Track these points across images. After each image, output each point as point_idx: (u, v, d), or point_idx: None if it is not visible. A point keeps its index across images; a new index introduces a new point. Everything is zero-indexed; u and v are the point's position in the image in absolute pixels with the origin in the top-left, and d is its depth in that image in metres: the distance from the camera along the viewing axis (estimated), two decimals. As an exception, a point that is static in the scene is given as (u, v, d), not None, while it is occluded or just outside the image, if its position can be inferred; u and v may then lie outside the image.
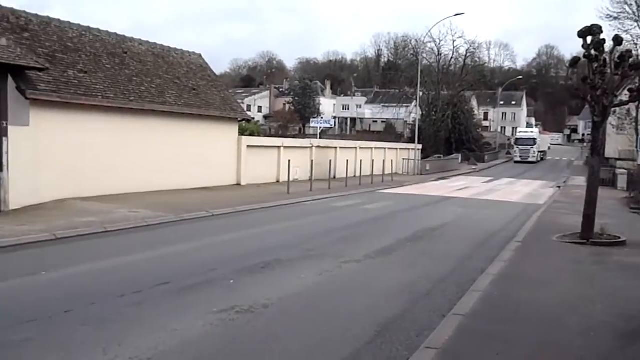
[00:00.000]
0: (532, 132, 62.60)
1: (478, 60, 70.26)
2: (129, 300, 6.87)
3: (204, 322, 6.10)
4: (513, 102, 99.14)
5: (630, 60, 11.77)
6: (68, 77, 15.77)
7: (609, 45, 12.22)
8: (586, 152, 60.24)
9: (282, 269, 8.84)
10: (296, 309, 6.83)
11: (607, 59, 11.73)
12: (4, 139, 13.14)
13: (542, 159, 61.50)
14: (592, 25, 11.86)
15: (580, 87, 12.26)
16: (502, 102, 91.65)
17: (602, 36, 11.71)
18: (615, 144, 46.97)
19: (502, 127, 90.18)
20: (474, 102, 70.61)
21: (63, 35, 17.16)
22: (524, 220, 16.02)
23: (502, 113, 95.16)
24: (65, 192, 14.86)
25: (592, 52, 11.68)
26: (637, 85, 12.53)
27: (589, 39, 11.73)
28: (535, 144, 57.63)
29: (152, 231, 12.18)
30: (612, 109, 38.16)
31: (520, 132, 63.01)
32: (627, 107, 37.46)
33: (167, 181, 18.47)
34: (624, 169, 32.33)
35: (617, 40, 11.96)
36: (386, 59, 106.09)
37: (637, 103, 36.87)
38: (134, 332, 5.79)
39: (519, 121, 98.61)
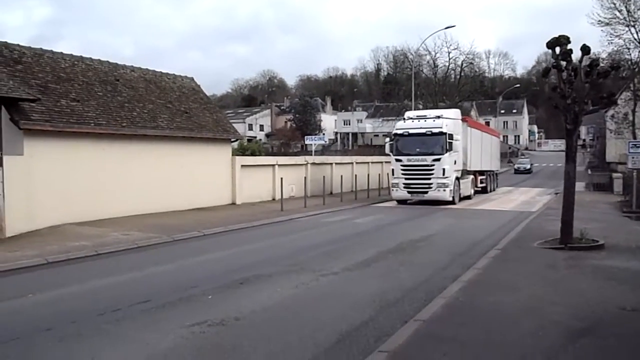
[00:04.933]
0: (434, 118, 24.14)
1: (477, 70, 70.75)
2: (108, 317, 7.23)
3: (175, 336, 6.45)
4: (514, 110, 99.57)
5: (598, 68, 12.16)
6: (61, 107, 16.29)
7: (577, 55, 12.60)
8: (587, 157, 59.83)
9: (260, 283, 9.18)
10: (266, 320, 7.16)
11: (578, 68, 12.11)
12: (0, 168, 13.68)
13: (494, 189, 32.63)
14: (560, 36, 12.22)
15: (552, 96, 12.61)
16: (502, 111, 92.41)
17: (575, 45, 12.12)
18: (615, 148, 47.11)
19: (504, 136, 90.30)
20: (474, 112, 71.11)
21: (56, 66, 17.75)
22: (512, 228, 16.24)
23: (504, 122, 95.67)
24: (59, 217, 15.28)
25: (561, 62, 12.07)
26: (607, 92, 12.88)
27: (557, 49, 12.13)
28: (448, 149, 23.19)
29: (141, 252, 12.57)
30: (611, 115, 38.00)
31: (407, 117, 25.35)
32: (624, 111, 37.84)
33: (161, 203, 18.86)
34: (621, 172, 32.46)
35: (585, 49, 12.28)
36: (385, 73, 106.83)
37: (634, 107, 37.46)
38: (108, 347, 6.16)
39: (520, 129, 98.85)
